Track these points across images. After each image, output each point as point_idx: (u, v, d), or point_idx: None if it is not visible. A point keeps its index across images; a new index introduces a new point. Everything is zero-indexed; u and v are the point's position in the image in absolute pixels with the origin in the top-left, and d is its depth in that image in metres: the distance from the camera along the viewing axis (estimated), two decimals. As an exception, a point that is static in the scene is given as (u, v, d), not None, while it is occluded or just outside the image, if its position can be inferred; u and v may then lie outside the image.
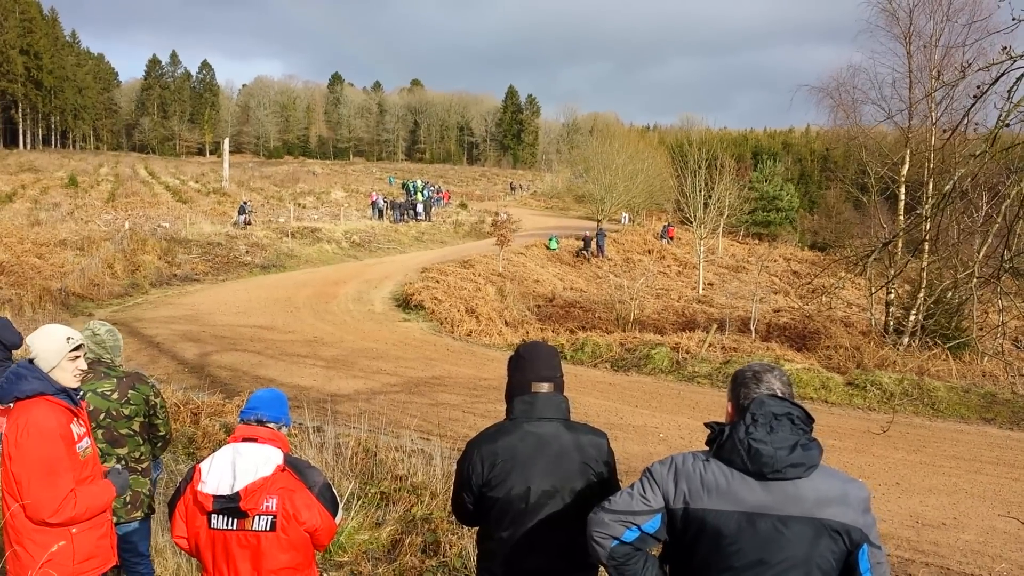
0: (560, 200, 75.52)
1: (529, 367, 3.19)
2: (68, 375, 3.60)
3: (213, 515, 3.19)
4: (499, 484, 3.04)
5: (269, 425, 3.37)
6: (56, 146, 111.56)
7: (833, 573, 2.49)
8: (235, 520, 3.18)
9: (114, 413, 4.62)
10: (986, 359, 17.25)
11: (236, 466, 3.18)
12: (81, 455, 3.54)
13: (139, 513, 4.77)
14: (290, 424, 3.53)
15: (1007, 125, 5.43)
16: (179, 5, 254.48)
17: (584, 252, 40.68)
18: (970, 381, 15.57)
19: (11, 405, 3.47)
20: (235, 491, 3.13)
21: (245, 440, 3.27)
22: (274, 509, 3.17)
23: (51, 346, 3.61)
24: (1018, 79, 5.12)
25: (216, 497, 3.15)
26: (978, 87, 5.74)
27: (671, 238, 48.44)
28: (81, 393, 3.94)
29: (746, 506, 2.45)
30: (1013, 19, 4.87)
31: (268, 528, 3.17)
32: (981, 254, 6.25)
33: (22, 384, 3.45)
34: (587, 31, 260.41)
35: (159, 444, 4.99)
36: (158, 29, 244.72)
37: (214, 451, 3.37)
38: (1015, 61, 5.10)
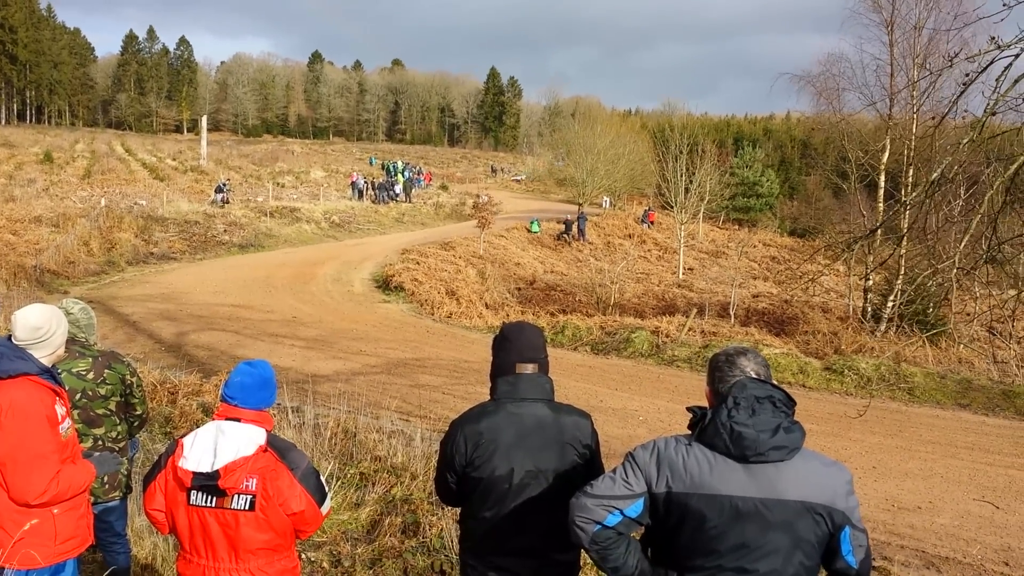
0: (541, 183, 75.45)
1: (514, 348, 3.17)
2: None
3: (192, 491, 3.16)
4: (482, 464, 3.02)
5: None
6: (31, 121, 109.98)
7: (816, 555, 2.51)
8: (214, 498, 3.15)
9: (90, 393, 4.54)
10: (962, 345, 17.44)
11: (218, 444, 3.15)
12: (63, 436, 3.48)
13: (117, 493, 4.72)
14: (273, 401, 3.45)
15: (994, 113, 5.44)
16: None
17: (565, 235, 40.70)
18: (946, 367, 15.74)
19: None
20: (215, 469, 3.11)
21: (229, 419, 3.23)
22: (253, 489, 3.14)
23: (61, 328, 3.58)
24: (1006, 68, 5.13)
25: (196, 474, 3.13)
26: (966, 75, 5.74)
27: (651, 222, 48.54)
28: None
29: (729, 489, 2.45)
30: (1004, 5, 4.86)
31: (247, 507, 3.15)
32: (963, 243, 6.27)
33: (4, 364, 3.35)
34: (576, 15, 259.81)
35: (136, 424, 4.92)
36: (136, 3, 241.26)
37: (195, 429, 3.32)
38: (1003, 50, 5.10)
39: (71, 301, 4.75)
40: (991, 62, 5.22)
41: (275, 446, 3.25)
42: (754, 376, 2.62)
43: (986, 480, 9.71)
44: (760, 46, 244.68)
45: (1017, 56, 5.14)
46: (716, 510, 2.45)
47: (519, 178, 78.04)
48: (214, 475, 3.10)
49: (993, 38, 5.23)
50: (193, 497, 3.17)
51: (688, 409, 2.64)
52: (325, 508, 3.37)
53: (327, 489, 3.43)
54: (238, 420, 3.23)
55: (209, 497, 3.15)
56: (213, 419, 3.30)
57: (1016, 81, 5.24)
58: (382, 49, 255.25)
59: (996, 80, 5.15)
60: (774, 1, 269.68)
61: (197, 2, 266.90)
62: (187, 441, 3.22)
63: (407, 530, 5.95)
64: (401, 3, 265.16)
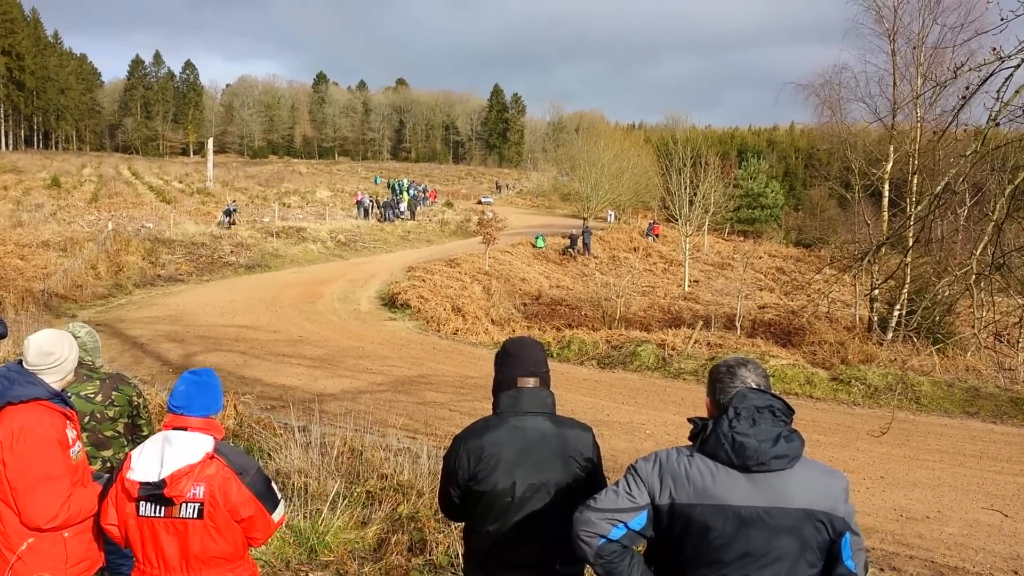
0: (546, 198, 75.56)
1: (515, 362, 3.19)
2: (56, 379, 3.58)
3: (141, 502, 3.18)
4: (485, 478, 3.04)
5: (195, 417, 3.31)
6: (38, 147, 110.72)
7: (818, 562, 2.52)
8: (162, 507, 3.17)
9: (98, 415, 4.58)
10: (969, 354, 17.37)
11: (164, 453, 3.17)
12: (74, 459, 3.51)
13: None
14: (220, 409, 3.44)
15: (997, 124, 5.47)
16: (164, 5, 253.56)
17: (570, 250, 40.71)
18: (953, 376, 15.67)
19: None
20: (161, 478, 3.12)
21: (176, 428, 3.25)
22: (201, 496, 3.15)
23: (73, 354, 3.62)
24: (1007, 79, 5.16)
25: (142, 484, 3.15)
26: (967, 87, 5.77)
27: (656, 235, 48.54)
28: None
29: (732, 499, 2.47)
30: (1001, 19, 4.90)
31: (195, 515, 3.16)
32: (979, 249, 6.29)
33: (16, 389, 3.37)
34: (581, 31, 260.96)
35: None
36: (143, 29, 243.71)
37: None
38: (1004, 61, 5.14)
39: (77, 325, 4.79)
40: (992, 73, 5.25)
41: (223, 453, 3.25)
42: (754, 386, 2.64)
43: (995, 488, 9.66)
44: (765, 58, 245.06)
45: (1018, 67, 5.17)
46: (720, 520, 2.47)
47: (487, 199, 72.44)
48: (160, 484, 3.12)
49: (995, 49, 5.27)
50: (142, 508, 3.18)
51: (689, 420, 2.66)
52: (277, 515, 3.36)
53: (283, 502, 3.44)
54: (185, 429, 3.25)
55: (157, 507, 3.17)
56: (161, 430, 3.31)
57: (1017, 91, 5.27)
58: (386, 69, 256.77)
59: (998, 91, 5.18)
60: (779, 13, 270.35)
61: (203, 26, 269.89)
62: (135, 453, 3.24)
63: (414, 548, 5.95)
64: (405, 24, 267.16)
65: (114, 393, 4.65)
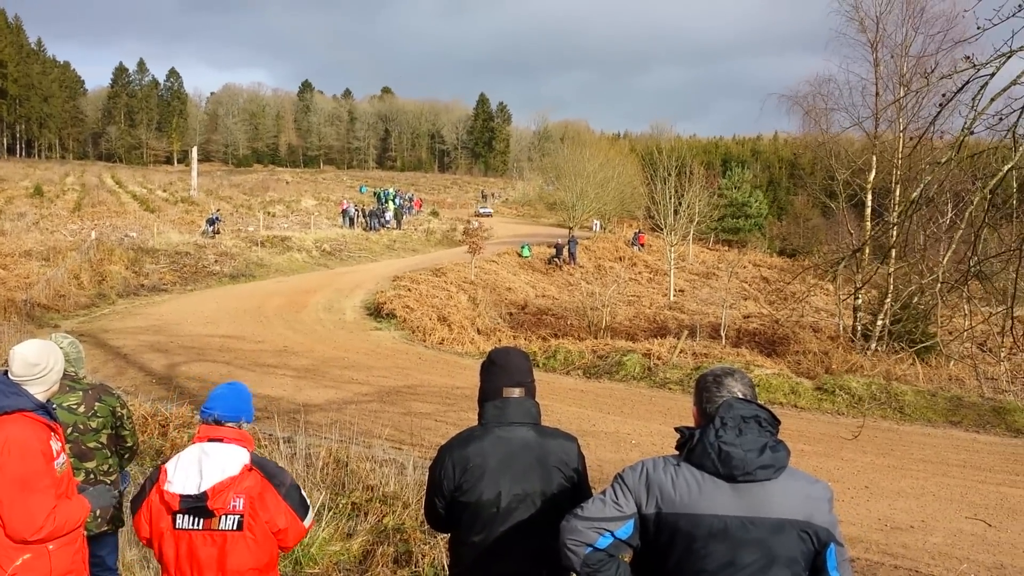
0: (531, 207, 75.68)
1: (501, 372, 3.20)
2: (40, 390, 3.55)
3: (179, 515, 3.17)
4: (470, 489, 3.04)
5: (228, 424, 3.34)
6: (21, 155, 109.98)
7: (803, 573, 2.53)
8: (201, 520, 3.16)
9: (81, 427, 4.55)
10: (952, 363, 17.51)
11: (203, 466, 3.17)
12: (59, 471, 3.48)
13: (109, 527, 4.71)
14: (251, 419, 3.49)
15: (972, 132, 5.51)
16: (148, 14, 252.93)
17: (556, 259, 40.79)
18: (937, 385, 15.79)
19: None
20: (202, 490, 3.12)
21: (211, 440, 3.25)
22: (241, 509, 3.16)
23: (59, 365, 3.60)
24: (982, 87, 5.21)
25: (183, 497, 3.14)
26: (943, 95, 5.82)
27: (642, 245, 48.69)
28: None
29: (717, 508, 2.47)
30: (978, 28, 4.95)
31: (235, 528, 3.17)
32: (946, 259, 6.36)
33: (0, 400, 3.37)
34: (570, 41, 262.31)
35: (126, 456, 4.92)
36: (127, 37, 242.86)
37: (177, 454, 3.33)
38: (978, 69, 5.19)
39: (60, 335, 4.75)
40: (967, 81, 5.30)
41: (259, 465, 3.28)
42: (740, 396, 2.66)
43: (978, 498, 9.72)
44: (750, 68, 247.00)
45: (992, 75, 5.22)
46: (705, 529, 2.47)
47: (487, 211, 69.96)
48: (202, 496, 3.12)
49: (968, 58, 5.32)
50: (179, 521, 3.18)
51: (676, 429, 2.66)
52: (308, 521, 3.39)
53: (311, 509, 3.46)
54: (220, 440, 3.25)
55: (196, 519, 3.16)
56: (193, 442, 3.31)
57: (992, 99, 5.32)
58: (372, 77, 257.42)
59: (972, 99, 5.23)
60: (766, 24, 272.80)
61: (187, 35, 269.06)
62: (170, 466, 3.24)
63: (399, 560, 5.93)
64: (393, 32, 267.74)
65: (97, 404, 4.62)
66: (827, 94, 24.80)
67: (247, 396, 3.48)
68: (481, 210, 68.74)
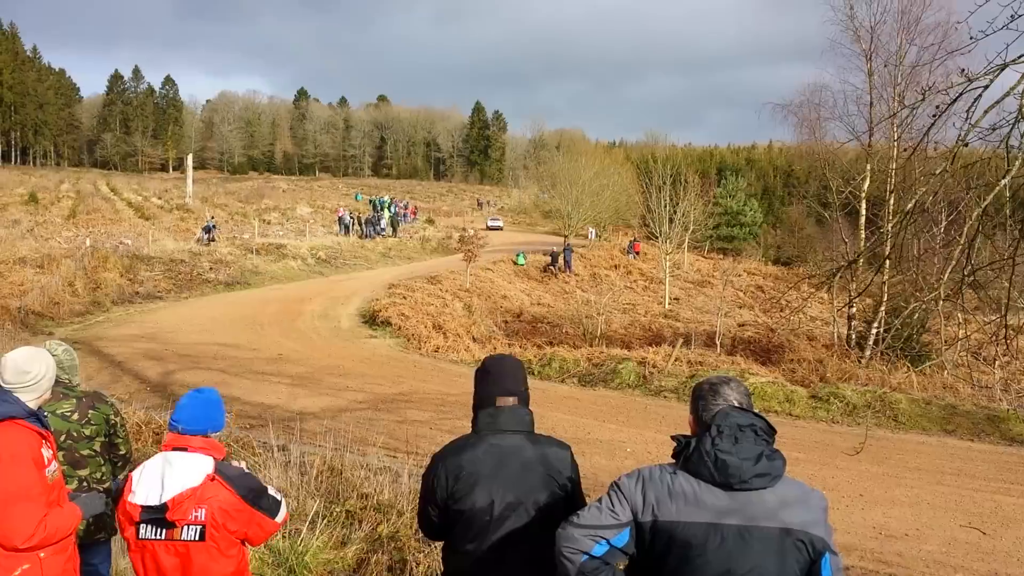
0: (527, 215, 75.78)
1: (494, 381, 3.19)
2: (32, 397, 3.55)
3: (141, 525, 3.17)
4: (463, 497, 3.03)
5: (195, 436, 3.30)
6: (16, 162, 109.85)
7: (798, 581, 2.52)
8: (163, 530, 3.16)
9: (75, 434, 4.54)
10: (946, 371, 17.52)
11: (165, 476, 3.16)
12: (50, 479, 3.48)
13: (102, 535, 4.69)
14: (221, 427, 3.44)
15: (966, 144, 5.54)
16: (143, 21, 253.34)
17: (551, 267, 40.83)
18: (931, 393, 15.80)
19: None
20: (163, 501, 3.11)
21: (176, 449, 3.24)
22: (203, 519, 3.15)
23: (50, 372, 3.59)
24: (976, 99, 5.24)
25: (144, 507, 3.14)
26: (937, 107, 5.85)
27: (637, 253, 48.76)
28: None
29: (713, 517, 2.47)
30: (971, 39, 4.98)
31: (196, 538, 3.16)
32: (946, 270, 6.41)
33: None
34: (565, 49, 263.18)
35: (120, 464, 4.91)
36: (122, 45, 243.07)
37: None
38: (972, 82, 5.22)
39: (54, 343, 4.75)
40: (961, 93, 5.33)
41: (224, 473, 3.24)
42: (737, 405, 2.66)
43: (972, 506, 9.73)
44: (745, 77, 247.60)
45: (986, 87, 5.25)
46: (701, 538, 2.47)
47: (497, 223, 64.31)
48: (162, 508, 3.11)
49: (963, 71, 5.35)
50: (142, 531, 3.17)
51: (672, 438, 2.67)
52: (281, 516, 3.39)
53: (283, 505, 3.44)
54: (185, 449, 3.23)
55: (158, 530, 3.15)
56: (161, 450, 3.29)
57: (986, 112, 5.35)
58: (368, 85, 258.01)
59: (967, 111, 5.26)
60: (762, 33, 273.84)
61: (183, 42, 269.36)
62: (135, 475, 3.23)
63: (394, 568, 5.91)
64: (389, 41, 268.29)
65: (91, 412, 4.61)
66: (821, 103, 24.91)
67: (215, 403, 3.42)
68: (491, 222, 62.46)
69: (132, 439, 5.70)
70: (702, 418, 2.68)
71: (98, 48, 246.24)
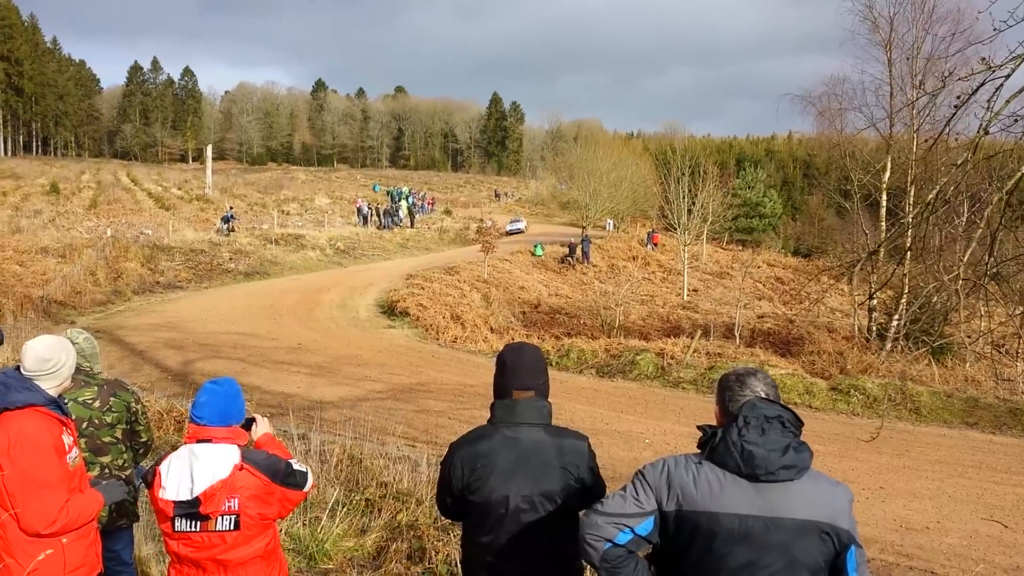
0: (545, 207, 75.68)
1: (512, 372, 3.15)
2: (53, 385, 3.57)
3: (176, 519, 3.19)
4: (478, 489, 3.02)
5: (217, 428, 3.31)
6: (37, 153, 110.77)
7: (822, 574, 2.51)
8: (198, 523, 3.17)
9: (96, 421, 4.57)
10: (968, 364, 17.38)
11: (193, 469, 3.17)
12: (71, 465, 3.50)
13: (123, 521, 4.73)
14: (243, 417, 3.45)
15: (987, 133, 5.47)
16: (163, 12, 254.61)
17: (569, 258, 40.75)
18: (952, 386, 15.67)
19: None
20: (194, 496, 3.13)
21: (200, 441, 3.25)
22: (236, 508, 3.17)
23: (71, 360, 3.62)
24: (997, 88, 5.17)
25: (177, 503, 3.15)
26: (959, 96, 5.78)
27: (655, 244, 48.60)
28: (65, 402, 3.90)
29: (739, 508, 2.46)
30: (994, 29, 4.91)
31: (232, 527, 3.18)
32: (966, 256, 6.35)
33: (12, 395, 3.37)
34: (585, 41, 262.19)
35: (141, 451, 4.94)
36: (142, 36, 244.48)
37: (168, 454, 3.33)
38: (994, 71, 5.15)
39: (76, 331, 4.79)
40: (982, 83, 5.27)
41: (250, 460, 3.25)
42: (763, 396, 2.65)
43: (994, 499, 9.65)
44: (765, 69, 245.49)
45: (1008, 77, 5.18)
46: (726, 528, 2.46)
47: (519, 225, 55.21)
48: (195, 502, 3.12)
49: (984, 59, 5.29)
50: (177, 524, 3.19)
51: (698, 427, 2.66)
52: (308, 486, 3.42)
53: (310, 477, 3.45)
54: (209, 441, 3.24)
55: (193, 523, 3.17)
56: (184, 442, 3.30)
57: (1008, 101, 5.28)
58: (386, 77, 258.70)
59: (988, 100, 5.19)
60: (780, 25, 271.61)
61: (204, 34, 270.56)
62: (163, 469, 3.23)
63: (413, 556, 5.93)
64: (409, 33, 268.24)
65: (112, 399, 4.64)
66: (841, 94, 24.72)
67: (235, 395, 3.40)
68: (511, 226, 54.09)
69: (153, 427, 5.75)
70: (729, 409, 2.66)
71: (119, 40, 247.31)
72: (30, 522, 3.32)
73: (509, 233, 51.22)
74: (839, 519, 2.49)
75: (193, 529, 3.18)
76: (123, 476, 4.69)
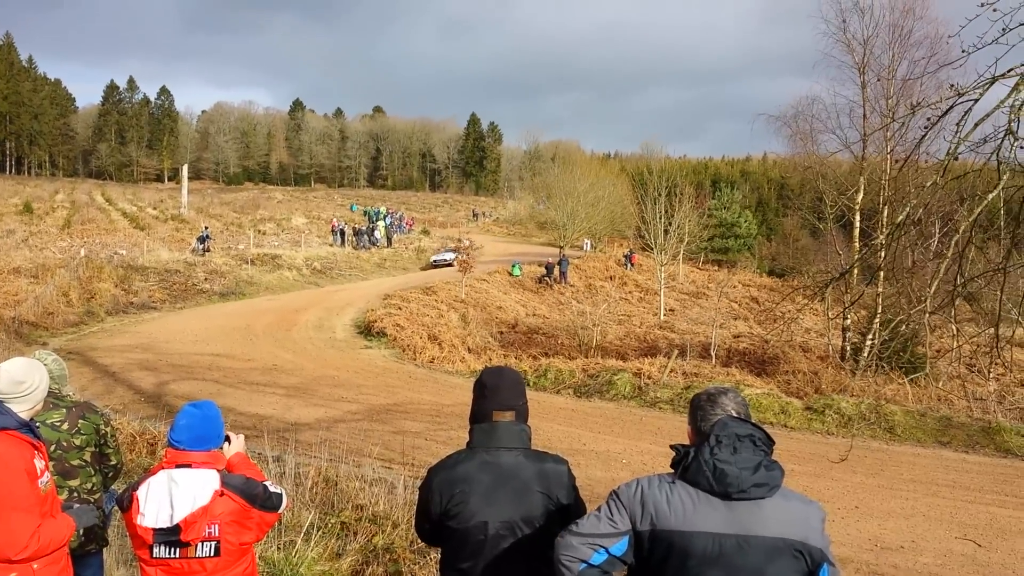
0: (522, 226, 75.84)
1: (491, 395, 3.12)
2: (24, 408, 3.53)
3: (154, 546, 3.15)
4: (457, 515, 2.98)
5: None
6: (11, 172, 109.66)
7: (795, 593, 2.51)
8: (177, 549, 3.13)
9: (64, 444, 4.50)
10: (940, 383, 17.55)
11: (173, 496, 3.12)
12: (43, 490, 3.45)
13: (93, 546, 4.65)
14: (222, 441, 3.41)
15: (956, 157, 5.57)
16: (140, 32, 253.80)
17: (547, 278, 40.83)
18: (926, 405, 15.83)
19: None
20: (175, 523, 3.09)
21: (179, 466, 3.20)
22: (216, 535, 3.13)
23: (44, 383, 3.57)
24: (966, 112, 5.27)
25: (156, 530, 3.11)
26: (928, 119, 5.89)
27: (634, 264, 48.82)
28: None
29: (712, 526, 2.47)
30: (963, 52, 5.02)
31: (212, 554, 3.15)
32: (935, 283, 6.43)
33: None
34: (567, 62, 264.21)
35: (110, 474, 4.87)
36: (125, 55, 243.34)
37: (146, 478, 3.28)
38: (962, 95, 5.26)
39: (44, 352, 4.73)
40: (951, 107, 5.37)
41: (230, 485, 3.22)
42: (735, 415, 2.66)
43: (967, 518, 9.74)
44: (745, 90, 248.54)
45: (976, 101, 5.29)
46: (699, 547, 2.46)
47: (447, 256, 43.94)
48: (175, 529, 3.09)
49: (952, 85, 5.40)
50: (156, 551, 3.15)
51: (672, 447, 2.66)
52: (283, 508, 3.41)
53: (284, 499, 3.43)
54: (188, 465, 3.20)
55: (172, 549, 3.13)
56: (163, 466, 3.25)
57: (976, 125, 5.39)
58: (364, 96, 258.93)
59: (957, 124, 5.30)
60: (761, 47, 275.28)
61: (185, 54, 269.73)
62: (140, 495, 3.18)
63: (389, 579, 5.89)
64: (392, 53, 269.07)
65: (80, 421, 4.58)
66: (814, 115, 25.01)
67: (215, 419, 3.36)
68: (436, 258, 46.07)
69: (126, 450, 5.68)
70: (700, 428, 2.68)
71: (97, 59, 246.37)
72: (1, 547, 3.27)
73: (435, 265, 44.58)
74: (812, 537, 2.50)
75: (173, 556, 3.13)
76: (92, 500, 4.62)
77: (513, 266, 41.95)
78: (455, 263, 38.58)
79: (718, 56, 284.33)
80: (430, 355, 21.44)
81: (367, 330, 24.24)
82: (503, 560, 2.96)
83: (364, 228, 49.92)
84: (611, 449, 12.51)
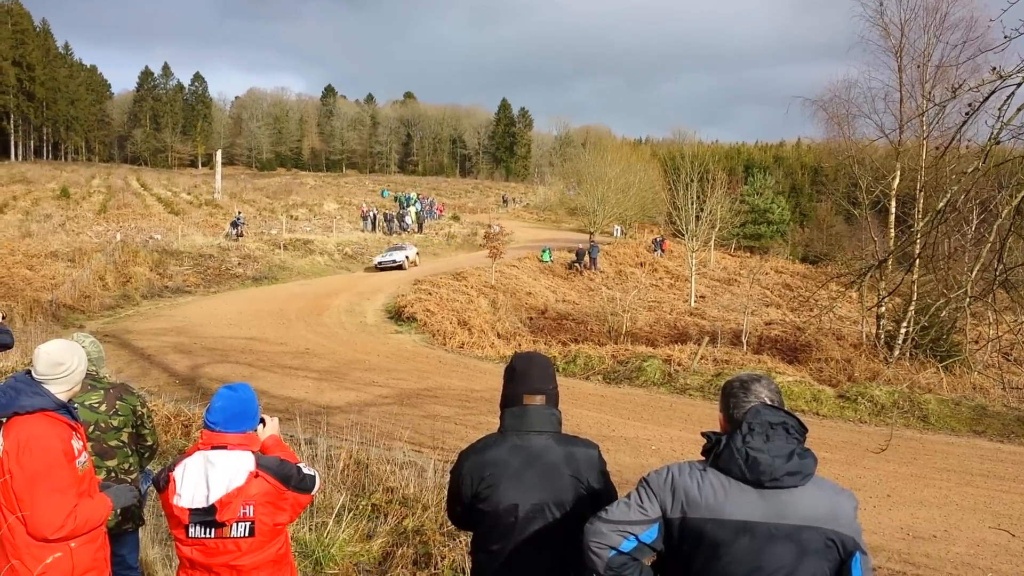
0: (552, 212, 75.66)
1: (521, 379, 3.15)
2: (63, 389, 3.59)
3: (190, 526, 3.20)
4: (488, 498, 3.01)
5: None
6: (48, 157, 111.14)
7: (827, 580, 2.50)
8: (212, 529, 3.18)
9: (103, 425, 4.59)
10: (976, 372, 17.30)
11: (209, 477, 3.16)
12: (80, 470, 3.52)
13: (129, 525, 4.74)
14: (256, 423, 3.44)
15: (998, 142, 5.46)
16: (174, 18, 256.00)
17: (577, 264, 40.74)
18: (960, 394, 15.61)
19: (2, 420, 3.42)
20: (210, 503, 3.13)
21: (214, 447, 3.24)
22: (252, 515, 3.18)
23: (82, 364, 3.63)
24: (1008, 97, 5.16)
25: (192, 511, 3.16)
26: (969, 105, 5.78)
27: (664, 250, 48.54)
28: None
29: (743, 515, 2.46)
30: (1005, 37, 4.91)
31: (247, 534, 3.19)
32: (975, 270, 6.33)
33: (22, 399, 3.39)
34: (597, 48, 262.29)
35: (146, 455, 4.96)
36: (153, 43, 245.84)
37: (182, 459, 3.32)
38: (1004, 80, 5.14)
39: (81, 335, 4.81)
40: (993, 91, 5.26)
41: (265, 467, 3.26)
42: (768, 402, 2.64)
43: (1001, 508, 9.61)
44: (777, 75, 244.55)
45: (1019, 85, 5.18)
46: (731, 535, 2.46)
47: (395, 256, 36.23)
48: (211, 510, 3.13)
49: (995, 68, 5.28)
50: (191, 531, 3.20)
51: (703, 434, 2.65)
52: (315, 489, 3.44)
53: (317, 481, 3.47)
54: (224, 447, 3.24)
55: (208, 529, 3.18)
56: (199, 448, 3.29)
57: (1019, 109, 5.28)
58: (395, 83, 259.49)
59: (999, 109, 5.18)
60: (792, 31, 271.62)
61: (219, 40, 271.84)
62: (177, 475, 3.22)
63: (419, 562, 5.94)
64: (421, 41, 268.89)
65: (118, 403, 4.66)
66: (850, 99, 24.64)
67: (250, 401, 3.39)
68: (379, 260, 36.85)
69: (161, 431, 5.77)
70: (733, 415, 2.66)
71: (132, 45, 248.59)
72: (38, 527, 3.33)
73: (380, 267, 36.24)
74: (844, 526, 2.48)
75: (208, 536, 3.19)
76: (129, 479, 4.70)
77: (543, 252, 41.89)
78: (405, 264, 35.67)
79: (749, 41, 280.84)
80: (460, 340, 21.51)
81: (397, 315, 24.37)
82: (532, 542, 2.99)
83: (395, 214, 50.10)
84: (640, 435, 12.49)
